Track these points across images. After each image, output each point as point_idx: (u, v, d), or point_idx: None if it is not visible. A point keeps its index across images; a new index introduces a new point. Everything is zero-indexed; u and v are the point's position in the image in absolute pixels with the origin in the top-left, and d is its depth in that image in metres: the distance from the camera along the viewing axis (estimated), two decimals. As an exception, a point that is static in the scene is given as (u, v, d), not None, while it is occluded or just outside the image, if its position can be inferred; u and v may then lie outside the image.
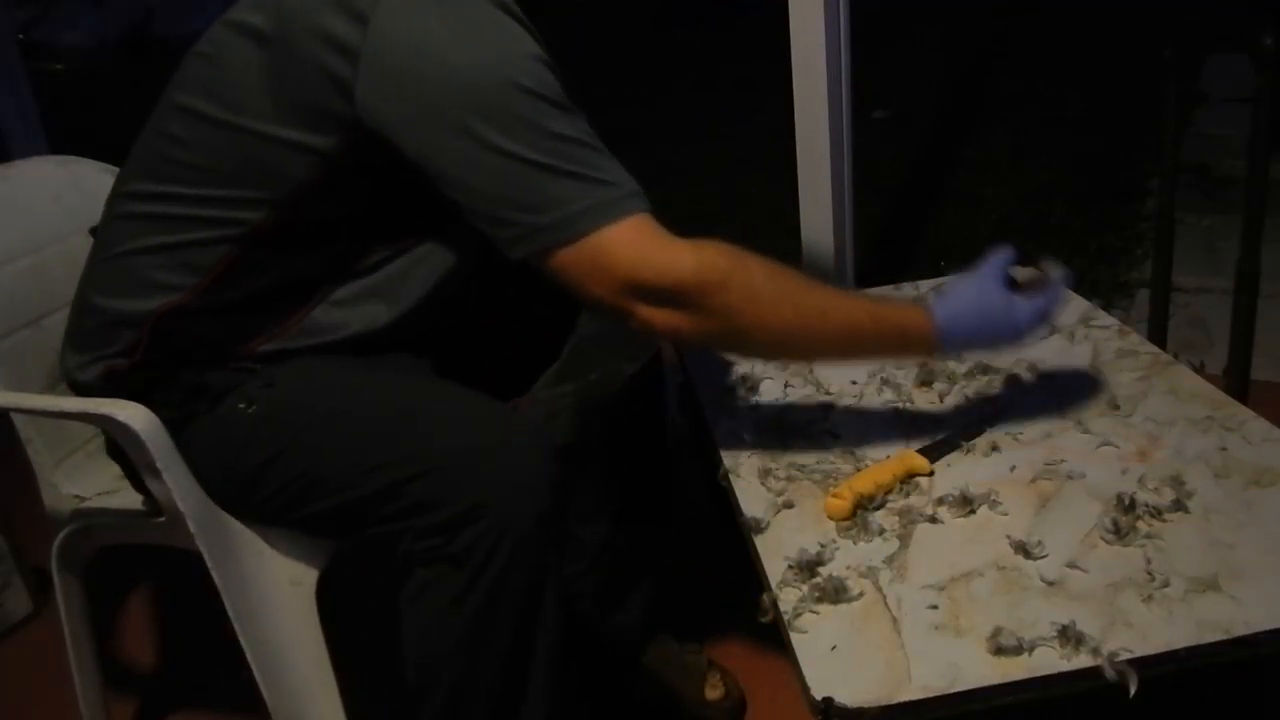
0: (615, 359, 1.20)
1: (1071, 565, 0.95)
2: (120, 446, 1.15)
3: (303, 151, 1.02)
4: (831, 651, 0.89)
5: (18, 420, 1.25)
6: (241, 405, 1.08)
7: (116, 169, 1.46)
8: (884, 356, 1.27)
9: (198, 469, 1.11)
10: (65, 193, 1.41)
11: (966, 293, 1.09)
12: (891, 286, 1.63)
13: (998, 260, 1.11)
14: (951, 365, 1.33)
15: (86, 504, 1.28)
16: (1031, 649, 0.86)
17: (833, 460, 1.16)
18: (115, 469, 1.32)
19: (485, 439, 1.01)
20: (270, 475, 1.08)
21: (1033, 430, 1.17)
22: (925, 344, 1.08)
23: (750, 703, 1.43)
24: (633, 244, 1.01)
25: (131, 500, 1.23)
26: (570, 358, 1.23)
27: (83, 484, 1.30)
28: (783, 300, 1.03)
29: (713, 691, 1.40)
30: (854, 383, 1.33)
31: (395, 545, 1.01)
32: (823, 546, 1.02)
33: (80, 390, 1.15)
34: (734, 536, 1.13)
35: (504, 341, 1.32)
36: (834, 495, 1.06)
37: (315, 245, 1.08)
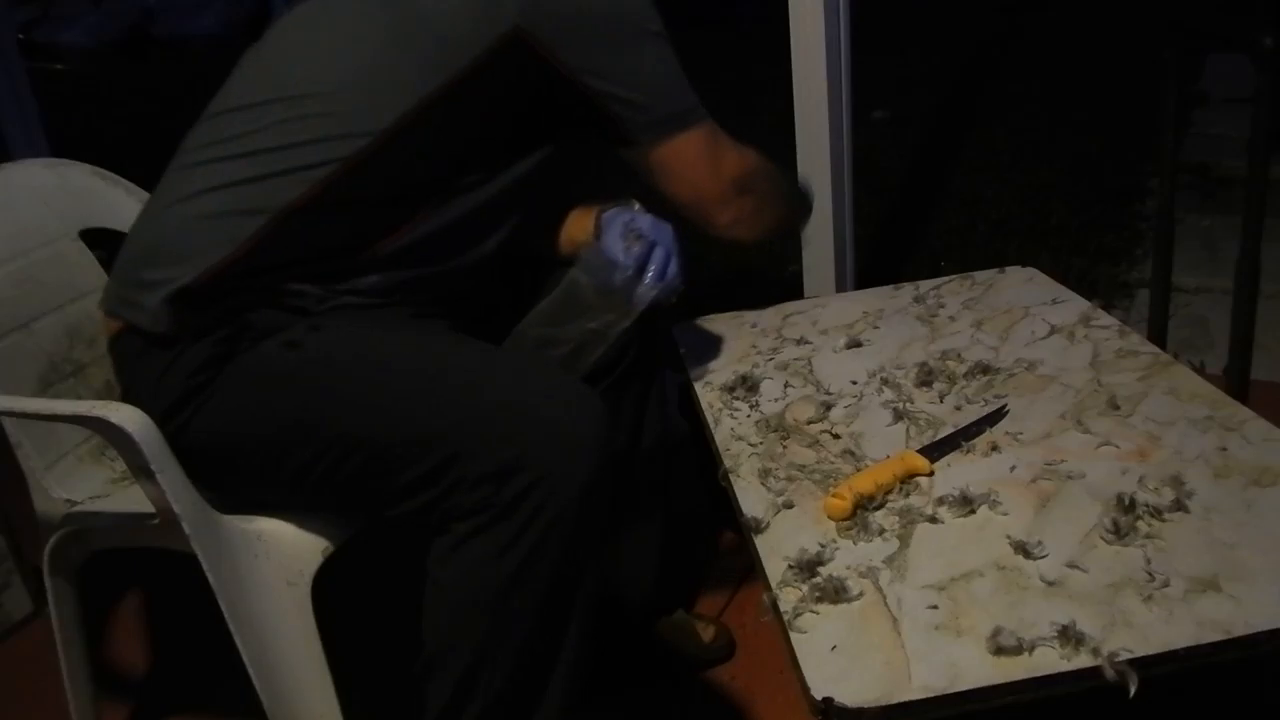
0: (611, 311, 1.23)
1: (1071, 565, 0.95)
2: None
3: (443, 58, 1.11)
4: (831, 651, 0.89)
5: (7, 424, 1.25)
6: (285, 345, 1.10)
7: (107, 172, 1.46)
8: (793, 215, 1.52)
9: (226, 423, 1.11)
10: (54, 196, 1.40)
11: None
12: (891, 286, 1.63)
13: None
14: (951, 365, 1.33)
15: (78, 508, 1.27)
16: (1031, 649, 0.86)
17: (833, 460, 1.16)
18: (106, 472, 1.32)
19: (539, 395, 1.05)
20: (310, 426, 1.08)
21: (1033, 430, 1.17)
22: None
23: (750, 703, 1.43)
24: (726, 136, 1.23)
25: (123, 504, 1.22)
26: (565, 297, 1.25)
27: (74, 488, 1.29)
28: (776, 170, 1.34)
29: (706, 634, 1.49)
30: (854, 383, 1.33)
31: (434, 502, 1.02)
32: (823, 546, 1.01)
33: (133, 312, 1.14)
34: (734, 536, 1.13)
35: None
36: (834, 495, 1.06)
37: (429, 155, 1.15)
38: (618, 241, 1.24)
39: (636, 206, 1.30)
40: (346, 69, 1.14)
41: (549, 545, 1.00)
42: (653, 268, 1.23)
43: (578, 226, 1.33)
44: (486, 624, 1.03)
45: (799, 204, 1.49)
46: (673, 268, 1.24)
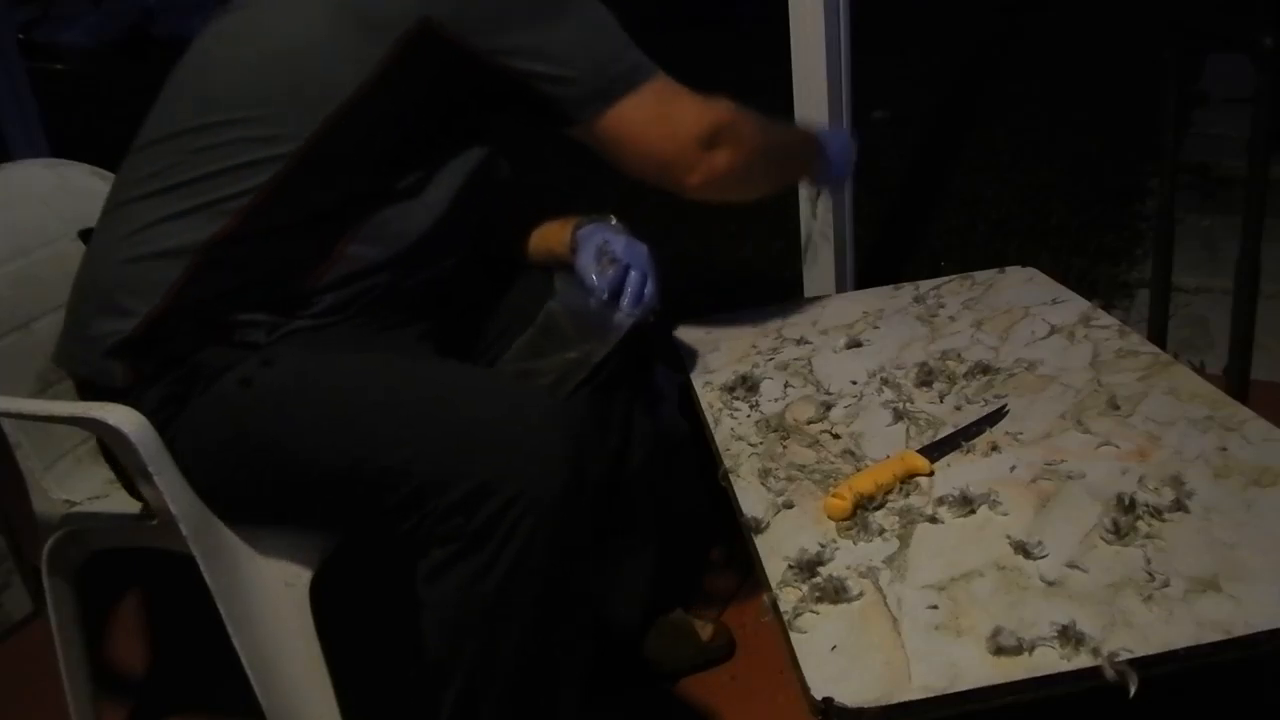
0: (590, 339, 1.20)
1: (1071, 565, 0.95)
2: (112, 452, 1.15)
3: (353, 62, 1.06)
4: (831, 651, 0.89)
5: (6, 425, 1.25)
6: (239, 384, 1.07)
7: (107, 172, 1.47)
8: (803, 168, 1.41)
9: (194, 460, 1.09)
10: (54, 196, 1.40)
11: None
12: (891, 286, 1.63)
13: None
14: (951, 365, 1.33)
15: (77, 509, 1.27)
16: (1031, 649, 0.86)
17: (833, 460, 1.16)
18: (105, 473, 1.32)
19: (499, 412, 1.01)
20: (273, 461, 1.07)
21: (1033, 430, 1.17)
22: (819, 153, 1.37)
23: (750, 703, 1.43)
24: (682, 90, 1.13)
25: (123, 504, 1.22)
26: (543, 330, 1.21)
27: (73, 488, 1.29)
28: (764, 121, 1.22)
29: (705, 633, 1.47)
30: (854, 383, 1.33)
31: (411, 531, 1.00)
32: (823, 546, 1.01)
33: (84, 368, 1.14)
34: (734, 536, 1.12)
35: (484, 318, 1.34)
36: (834, 495, 1.06)
37: (356, 166, 1.10)
38: (591, 264, 1.21)
39: (614, 222, 1.28)
40: (250, 92, 1.09)
41: (528, 565, 0.98)
42: (628, 292, 1.20)
43: (555, 238, 1.31)
44: (477, 644, 1.02)
45: (804, 151, 1.37)
46: (649, 289, 1.21)
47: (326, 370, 1.09)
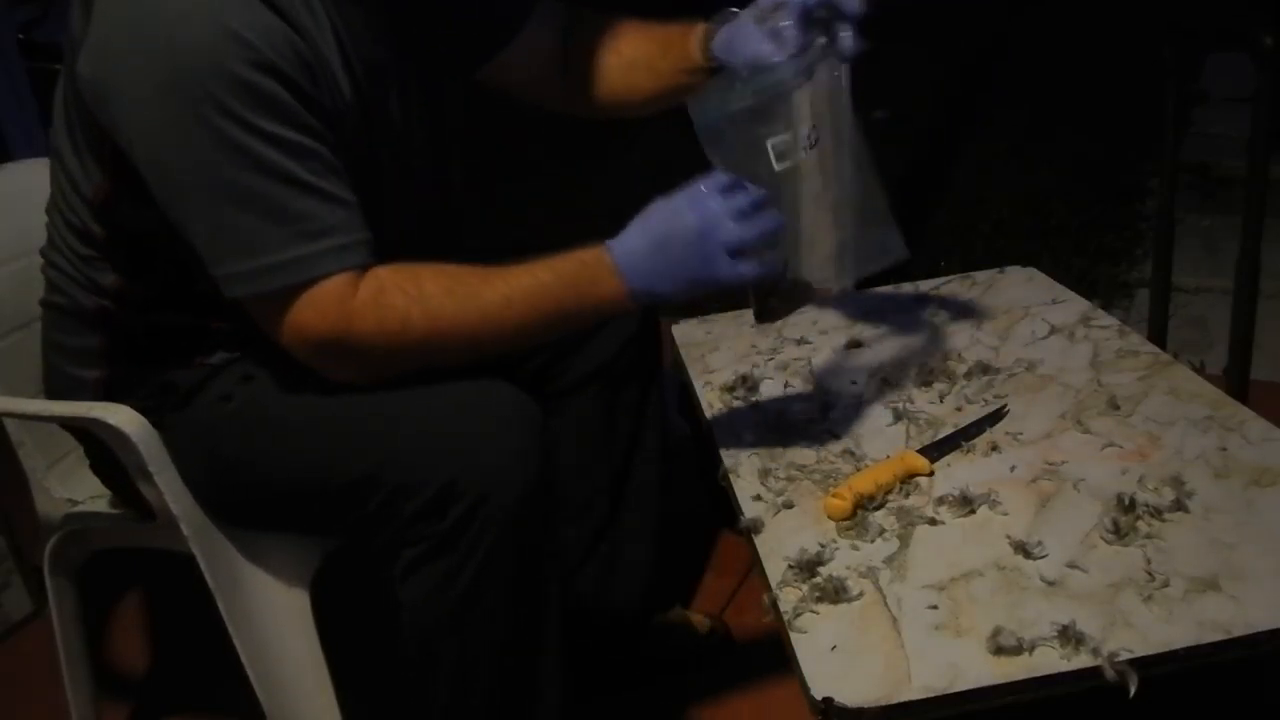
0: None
1: (1071, 565, 0.95)
2: (100, 461, 1.15)
3: (88, 170, 1.04)
4: (831, 651, 0.89)
5: (9, 424, 1.25)
6: (219, 400, 1.08)
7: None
8: (581, 316, 1.02)
9: (181, 473, 1.10)
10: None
11: (651, 220, 0.99)
12: (891, 286, 1.63)
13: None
14: (951, 365, 1.33)
15: (79, 508, 1.27)
16: (1031, 649, 0.86)
17: (833, 460, 1.16)
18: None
19: (459, 414, 1.00)
20: (254, 477, 1.07)
21: (1033, 430, 1.17)
22: (612, 283, 0.97)
23: (750, 703, 1.43)
24: (325, 306, 0.95)
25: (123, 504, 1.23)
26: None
27: (75, 488, 1.29)
28: (456, 303, 0.97)
29: (701, 629, 1.48)
30: (854, 383, 1.33)
31: (390, 536, 1.00)
32: (823, 546, 1.01)
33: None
34: (733, 536, 1.12)
35: None
36: (834, 495, 1.06)
37: (154, 257, 1.07)
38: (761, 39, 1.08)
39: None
40: (54, 193, 1.11)
41: (496, 565, 0.98)
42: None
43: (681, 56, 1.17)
44: (454, 648, 1.02)
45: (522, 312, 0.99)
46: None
47: (299, 382, 1.07)
